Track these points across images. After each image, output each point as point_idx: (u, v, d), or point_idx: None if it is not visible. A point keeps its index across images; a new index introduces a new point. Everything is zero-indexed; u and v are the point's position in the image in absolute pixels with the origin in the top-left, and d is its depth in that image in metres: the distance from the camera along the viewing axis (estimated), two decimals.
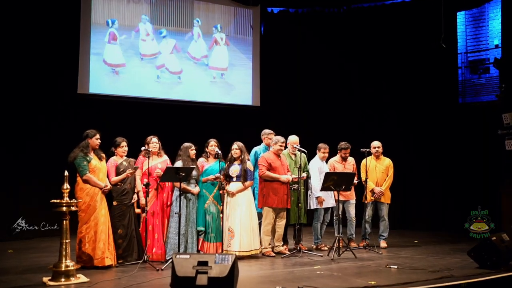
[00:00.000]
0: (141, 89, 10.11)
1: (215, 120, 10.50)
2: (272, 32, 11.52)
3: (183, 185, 6.64)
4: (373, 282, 5.38)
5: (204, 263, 4.73)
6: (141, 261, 6.33)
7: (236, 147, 7.14)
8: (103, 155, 6.50)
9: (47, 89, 9.26)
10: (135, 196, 6.71)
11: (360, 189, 8.12)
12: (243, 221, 6.98)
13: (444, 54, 10.52)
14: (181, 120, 10.27)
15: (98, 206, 6.21)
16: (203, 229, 6.95)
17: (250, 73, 11.20)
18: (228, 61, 10.94)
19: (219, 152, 6.91)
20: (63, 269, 5.40)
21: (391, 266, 6.29)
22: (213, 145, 7.12)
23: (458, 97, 10.65)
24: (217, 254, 4.78)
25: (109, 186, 6.38)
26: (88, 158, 6.24)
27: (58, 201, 5.49)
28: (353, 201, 8.07)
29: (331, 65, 11.60)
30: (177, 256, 4.79)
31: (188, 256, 4.79)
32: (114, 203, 6.53)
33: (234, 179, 7.09)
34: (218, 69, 10.83)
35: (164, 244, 6.77)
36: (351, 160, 8.20)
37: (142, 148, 6.73)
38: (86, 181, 6.18)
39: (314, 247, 7.85)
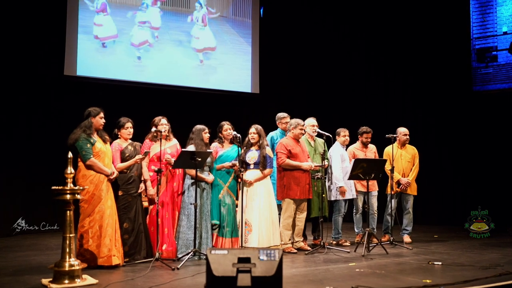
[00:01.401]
0: (134, 72, 9.24)
1: (212, 107, 9.63)
2: (272, 15, 10.77)
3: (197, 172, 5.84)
4: (428, 281, 4.70)
5: (246, 260, 3.94)
6: (152, 259, 5.49)
7: (254, 131, 6.37)
8: (108, 137, 5.63)
9: (28, 71, 8.28)
10: (141, 185, 5.87)
11: (382, 179, 7.43)
12: (262, 214, 6.21)
13: (457, 40, 10.03)
14: (176, 107, 9.38)
15: (104, 196, 5.33)
16: (217, 222, 6.16)
17: (249, 58, 10.44)
18: (217, 41, 10.10)
19: (238, 135, 6.11)
20: (66, 268, 4.52)
21: (434, 263, 5.63)
22: (227, 129, 6.34)
23: (471, 85, 10.09)
24: (260, 249, 4.01)
25: (116, 173, 5.51)
26: (91, 140, 5.36)
27: (60, 187, 4.61)
28: (375, 192, 7.41)
29: (336, 49, 10.96)
30: (212, 252, 3.99)
31: (225, 252, 3.99)
32: (120, 193, 5.68)
33: (252, 166, 6.31)
34: (206, 49, 9.99)
35: (174, 240, 5.96)
36: (372, 147, 7.55)
37: (153, 129, 5.88)
38: (89, 167, 5.30)
39: (334, 242, 7.14)
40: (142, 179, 5.87)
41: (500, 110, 9.68)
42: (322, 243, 6.53)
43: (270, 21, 10.72)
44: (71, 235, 4.62)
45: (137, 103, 8.84)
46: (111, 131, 5.82)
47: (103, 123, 5.54)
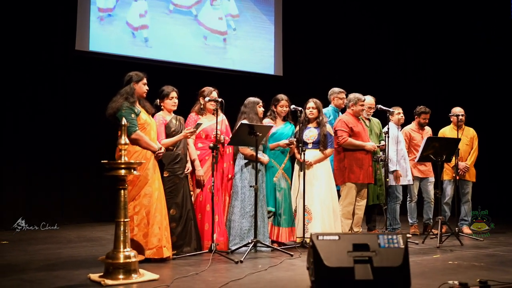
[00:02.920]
0: (152, 49, 8.33)
1: (232, 88, 8.61)
2: None
3: (252, 151, 5.03)
4: None
5: (364, 247, 3.15)
6: (203, 251, 4.72)
7: (312, 105, 5.56)
8: (151, 107, 4.76)
9: (37, 46, 7.33)
10: (188, 165, 5.01)
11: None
12: (323, 200, 5.41)
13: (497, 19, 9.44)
14: (195, 87, 8.44)
15: (151, 176, 4.46)
16: (273, 209, 5.34)
17: (272, 38, 9.61)
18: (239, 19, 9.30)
19: (300, 108, 5.29)
20: (121, 261, 3.66)
21: None
22: (284, 105, 5.52)
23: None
24: (379, 234, 3.22)
25: (163, 149, 4.64)
26: (135, 110, 4.49)
27: (112, 161, 3.75)
28: (432, 178, 6.68)
29: (365, 29, 10.22)
30: (319, 238, 3.18)
31: (336, 237, 3.19)
32: (165, 173, 4.80)
33: (310, 146, 5.50)
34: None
35: (226, 229, 5.13)
36: (428, 129, 6.83)
37: (206, 99, 5.03)
38: (135, 141, 4.41)
39: None
40: (191, 159, 5.02)
41: None
42: None
43: None
44: (126, 220, 3.75)
45: (152, 82, 7.92)
46: None
47: (146, 90, 4.68)
